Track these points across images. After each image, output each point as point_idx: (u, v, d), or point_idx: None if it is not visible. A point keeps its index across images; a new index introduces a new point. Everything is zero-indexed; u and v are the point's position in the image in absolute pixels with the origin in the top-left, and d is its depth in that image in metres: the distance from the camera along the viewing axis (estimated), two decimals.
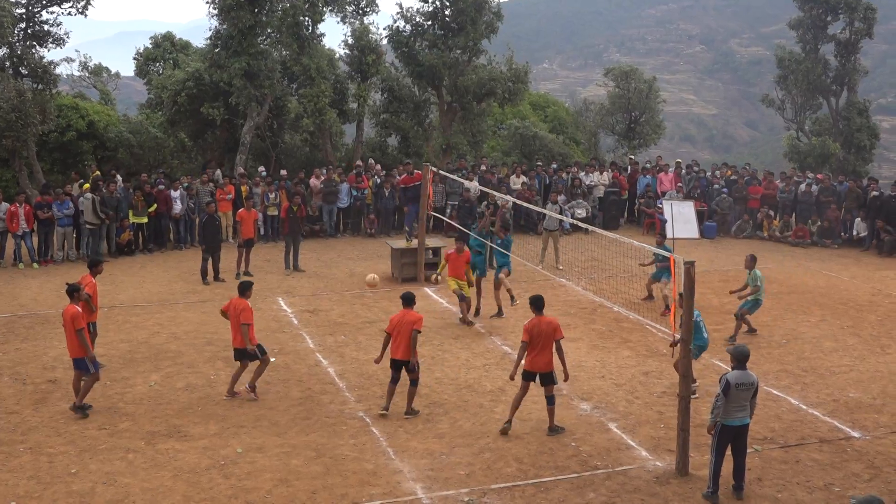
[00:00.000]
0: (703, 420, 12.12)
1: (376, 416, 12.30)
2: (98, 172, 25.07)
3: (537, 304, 11.89)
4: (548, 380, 11.76)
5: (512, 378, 12.07)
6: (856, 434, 12.09)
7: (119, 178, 24.33)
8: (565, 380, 12.02)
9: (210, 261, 20.05)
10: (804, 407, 13.03)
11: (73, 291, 12.51)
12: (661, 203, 26.28)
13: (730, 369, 10.33)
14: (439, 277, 18.20)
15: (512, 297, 17.24)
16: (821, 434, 12.05)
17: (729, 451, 10.23)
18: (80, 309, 12.29)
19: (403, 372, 12.36)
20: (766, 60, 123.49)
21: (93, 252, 21.54)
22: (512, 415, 11.87)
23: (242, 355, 12.92)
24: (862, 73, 34.31)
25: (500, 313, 17.48)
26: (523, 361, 11.84)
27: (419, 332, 12.28)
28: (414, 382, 12.41)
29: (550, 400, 11.85)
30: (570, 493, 10.27)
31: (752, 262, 16.27)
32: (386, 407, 12.38)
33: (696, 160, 33.35)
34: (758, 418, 11.63)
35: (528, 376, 11.79)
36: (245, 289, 13.11)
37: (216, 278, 20.14)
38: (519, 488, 10.38)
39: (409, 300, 12.52)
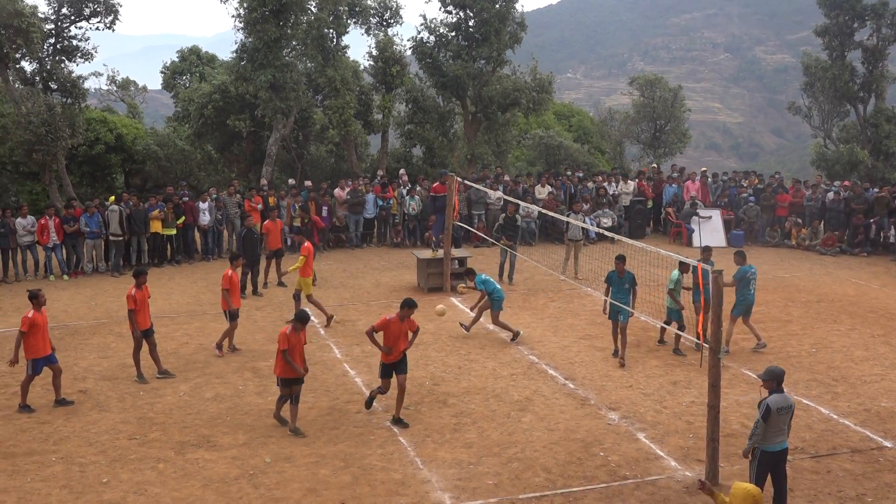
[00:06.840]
0: (732, 430, 12.07)
1: (404, 427, 12.33)
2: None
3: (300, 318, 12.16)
4: None
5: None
6: (888, 444, 11.95)
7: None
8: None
9: (249, 274, 19.97)
10: (835, 416, 12.90)
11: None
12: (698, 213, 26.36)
13: (761, 385, 9.78)
14: (464, 287, 18.12)
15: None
16: (852, 444, 11.92)
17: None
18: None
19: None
20: (791, 68, 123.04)
21: (115, 264, 22.19)
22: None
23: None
24: (890, 80, 33.93)
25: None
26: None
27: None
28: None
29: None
30: (598, 503, 10.23)
31: None
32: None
33: (724, 169, 33.18)
34: None
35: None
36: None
37: (254, 292, 20.11)
38: (547, 498, 10.34)
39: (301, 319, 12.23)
